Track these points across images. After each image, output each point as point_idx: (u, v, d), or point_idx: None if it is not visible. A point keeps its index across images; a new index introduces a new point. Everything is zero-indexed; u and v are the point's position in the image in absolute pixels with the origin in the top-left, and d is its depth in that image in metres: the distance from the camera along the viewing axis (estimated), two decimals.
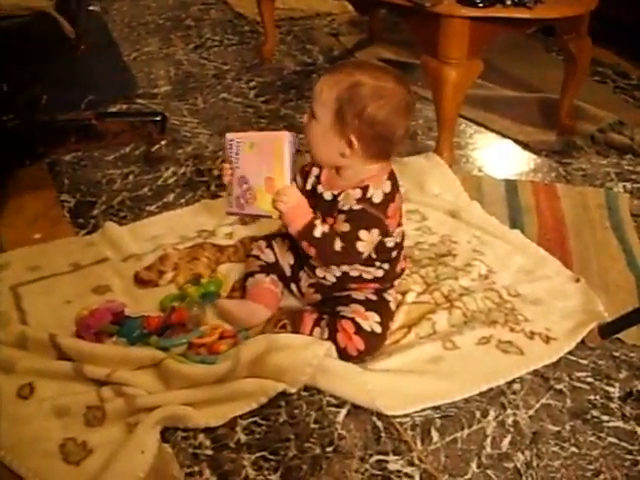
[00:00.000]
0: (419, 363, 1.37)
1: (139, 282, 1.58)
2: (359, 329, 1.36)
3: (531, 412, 1.30)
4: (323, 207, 1.39)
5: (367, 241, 1.34)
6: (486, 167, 2.10)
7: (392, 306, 1.46)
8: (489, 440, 1.25)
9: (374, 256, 1.40)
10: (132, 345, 1.38)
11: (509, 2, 1.83)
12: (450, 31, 1.84)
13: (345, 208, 1.35)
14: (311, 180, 1.44)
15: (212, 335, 1.39)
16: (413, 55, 2.55)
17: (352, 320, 1.37)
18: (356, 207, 1.34)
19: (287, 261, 1.52)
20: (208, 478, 1.18)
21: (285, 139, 1.37)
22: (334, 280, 1.44)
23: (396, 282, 1.49)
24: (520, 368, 1.38)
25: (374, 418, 1.28)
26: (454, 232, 1.75)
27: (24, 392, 1.30)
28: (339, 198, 1.37)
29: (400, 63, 2.59)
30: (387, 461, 1.21)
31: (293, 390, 1.30)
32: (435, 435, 1.26)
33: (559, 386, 1.36)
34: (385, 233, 1.37)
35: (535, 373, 1.38)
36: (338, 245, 1.34)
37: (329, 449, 1.23)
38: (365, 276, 1.43)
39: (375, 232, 1.34)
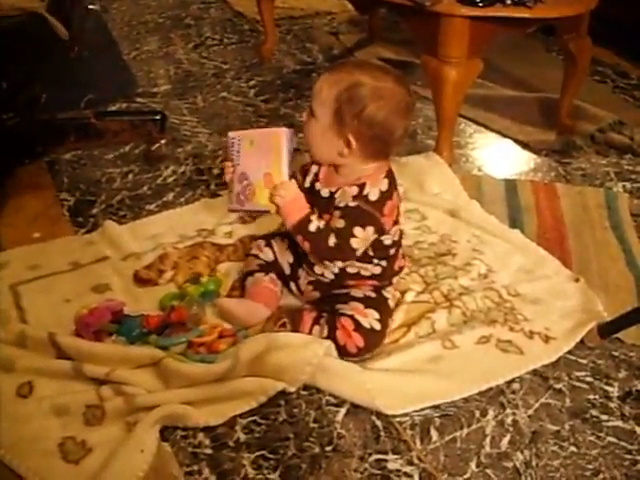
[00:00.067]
0: (418, 362, 1.37)
1: (138, 281, 1.58)
2: (358, 326, 1.36)
3: (530, 411, 1.30)
4: (320, 204, 1.40)
5: (361, 238, 1.34)
6: (486, 166, 2.10)
7: (391, 303, 1.46)
8: (488, 439, 1.25)
9: (371, 253, 1.41)
10: (131, 344, 1.38)
11: (509, 1, 1.83)
12: (450, 30, 1.84)
13: (341, 205, 1.36)
14: (309, 178, 1.45)
15: (211, 334, 1.39)
16: (413, 54, 2.56)
17: (351, 317, 1.37)
18: (352, 204, 1.35)
19: (286, 259, 1.52)
20: (207, 477, 1.18)
21: (283, 135, 1.38)
22: (332, 277, 1.44)
23: (395, 280, 1.49)
24: (519, 367, 1.38)
25: (373, 417, 1.28)
26: (454, 231, 1.75)
27: (23, 391, 1.30)
28: (336, 195, 1.38)
29: (400, 62, 2.58)
30: (386, 460, 1.21)
31: (292, 389, 1.30)
32: (434, 434, 1.26)
33: (558, 385, 1.36)
34: (381, 231, 1.37)
35: (534, 372, 1.38)
36: (332, 241, 1.34)
37: (328, 448, 1.23)
38: (363, 273, 1.43)
39: (370, 230, 1.35)
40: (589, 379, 1.37)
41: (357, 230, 1.34)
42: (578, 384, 1.36)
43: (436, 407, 1.30)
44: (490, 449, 1.23)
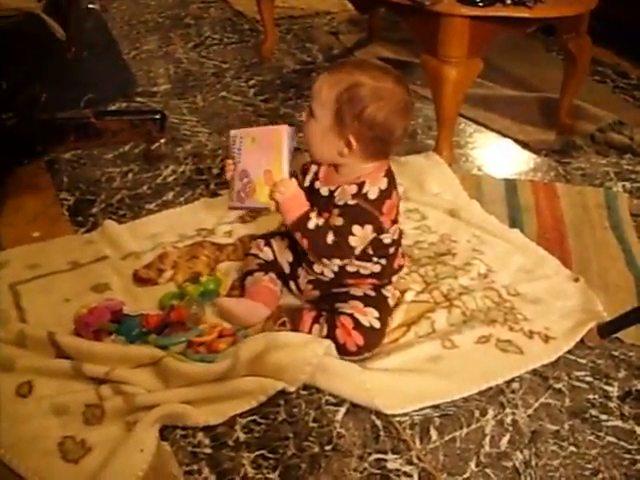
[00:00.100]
0: (418, 362, 1.37)
1: (138, 280, 1.58)
2: (358, 325, 1.36)
3: (530, 411, 1.30)
4: (320, 202, 1.40)
5: (360, 236, 1.35)
6: (486, 166, 2.10)
7: (390, 302, 1.46)
8: (488, 439, 1.25)
9: (371, 252, 1.41)
10: (131, 343, 1.38)
11: (509, 1, 1.84)
12: (450, 30, 1.84)
13: (340, 203, 1.36)
14: (309, 177, 1.45)
15: (211, 333, 1.39)
16: (413, 54, 2.56)
17: (351, 316, 1.37)
18: (351, 202, 1.35)
19: (286, 259, 1.52)
20: (207, 476, 1.18)
21: (284, 132, 1.38)
22: (332, 275, 1.44)
23: (394, 278, 1.49)
24: (519, 367, 1.38)
25: (373, 417, 1.28)
26: (453, 231, 1.75)
27: (23, 390, 1.30)
28: (335, 193, 1.38)
29: (400, 62, 2.58)
30: (386, 460, 1.21)
31: (292, 389, 1.30)
32: (434, 434, 1.26)
33: (558, 385, 1.36)
34: (379, 230, 1.37)
35: (534, 372, 1.38)
36: (330, 238, 1.34)
37: (328, 448, 1.23)
38: (362, 271, 1.43)
39: (369, 228, 1.35)
40: (589, 379, 1.37)
41: (356, 228, 1.34)
42: (578, 384, 1.36)
43: (436, 407, 1.30)
44: (490, 449, 1.23)
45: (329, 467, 1.20)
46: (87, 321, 1.40)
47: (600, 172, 2.06)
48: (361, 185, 1.36)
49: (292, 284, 1.52)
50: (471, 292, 1.54)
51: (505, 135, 2.26)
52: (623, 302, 1.52)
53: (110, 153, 2.11)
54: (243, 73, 2.67)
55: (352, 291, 1.43)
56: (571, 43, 2.13)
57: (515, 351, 1.41)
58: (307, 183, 1.45)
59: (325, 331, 1.37)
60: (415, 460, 1.21)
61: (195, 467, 1.19)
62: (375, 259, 1.43)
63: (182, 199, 1.91)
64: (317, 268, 1.45)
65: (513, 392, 1.34)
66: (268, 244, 1.55)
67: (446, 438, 1.25)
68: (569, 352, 1.42)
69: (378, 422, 1.27)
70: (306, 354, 1.30)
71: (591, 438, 1.26)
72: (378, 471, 1.19)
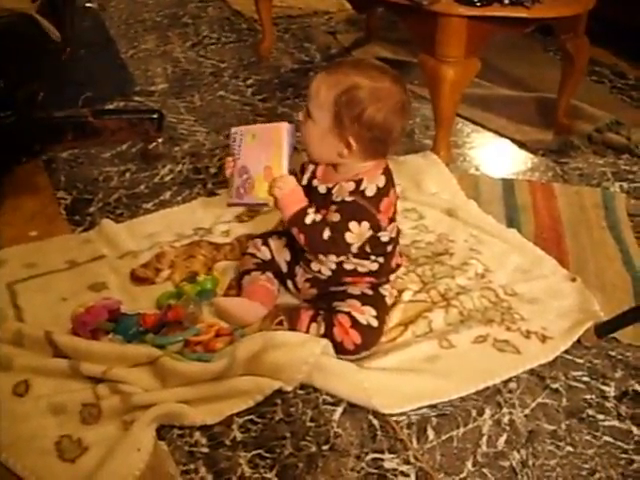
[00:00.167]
0: (415, 361, 1.37)
1: (135, 279, 1.57)
2: (355, 323, 1.36)
3: (527, 411, 1.31)
4: (318, 200, 1.40)
5: (356, 233, 1.35)
6: (483, 166, 2.10)
7: (388, 301, 1.46)
8: (485, 439, 1.25)
9: (369, 250, 1.41)
10: (128, 343, 1.38)
11: (507, 1, 1.84)
12: (448, 30, 1.84)
13: (338, 200, 1.37)
14: (307, 175, 1.46)
15: (208, 333, 1.39)
16: (410, 54, 2.56)
17: (348, 314, 1.37)
18: (348, 199, 1.35)
19: (283, 258, 1.52)
20: (204, 476, 1.18)
21: (284, 129, 1.39)
22: (329, 273, 1.44)
23: (392, 277, 1.49)
24: (516, 367, 1.38)
25: (370, 416, 1.28)
26: (451, 231, 1.75)
27: (20, 389, 1.30)
28: (333, 190, 1.39)
29: (397, 62, 2.58)
30: (383, 459, 1.21)
31: (289, 388, 1.30)
32: (431, 433, 1.26)
33: (555, 385, 1.36)
34: (376, 227, 1.37)
35: (531, 372, 1.38)
36: (327, 234, 1.34)
37: (325, 447, 1.23)
38: (360, 269, 1.43)
39: (365, 225, 1.35)
40: (586, 379, 1.38)
41: (352, 225, 1.34)
42: (575, 384, 1.36)
43: (433, 406, 1.30)
44: (487, 448, 1.23)
45: (326, 467, 1.20)
46: (84, 320, 1.40)
47: (597, 172, 2.07)
48: (359, 182, 1.36)
49: (290, 283, 1.52)
50: (468, 292, 1.54)
51: (502, 135, 2.27)
52: (620, 302, 1.52)
53: (108, 152, 2.11)
54: (241, 72, 2.67)
55: (350, 290, 1.43)
56: (569, 43, 2.13)
57: (512, 351, 1.41)
58: (305, 181, 1.45)
59: (322, 330, 1.37)
60: (412, 460, 1.21)
61: (192, 466, 1.19)
62: (373, 257, 1.43)
63: (179, 198, 1.91)
64: (314, 266, 1.45)
65: (510, 392, 1.34)
66: (265, 243, 1.55)
67: (443, 438, 1.25)
68: (566, 352, 1.42)
69: (375, 422, 1.27)
70: (303, 353, 1.30)
71: (588, 438, 1.26)
72: (375, 471, 1.19)
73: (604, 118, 2.27)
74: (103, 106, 2.33)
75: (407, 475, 1.18)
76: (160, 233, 1.74)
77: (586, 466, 1.21)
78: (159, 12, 3.26)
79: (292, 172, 1.41)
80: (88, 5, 3.21)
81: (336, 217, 1.35)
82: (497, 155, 2.19)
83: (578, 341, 1.44)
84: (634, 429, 1.28)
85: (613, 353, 1.43)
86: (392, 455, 1.22)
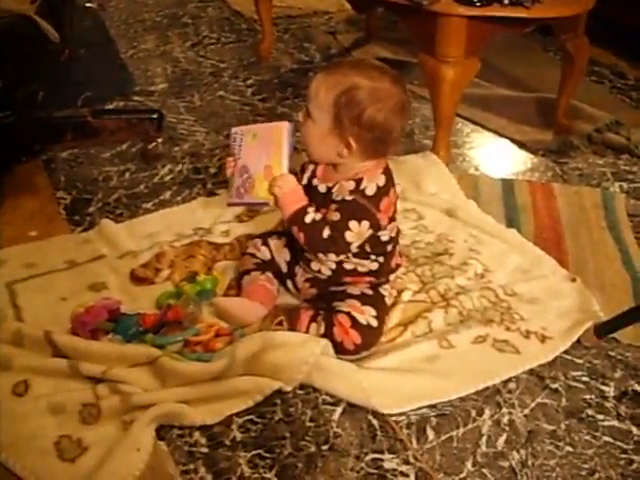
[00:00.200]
0: (415, 362, 1.37)
1: (135, 279, 1.57)
2: (355, 323, 1.36)
3: (526, 411, 1.31)
4: (318, 199, 1.40)
5: (356, 232, 1.35)
6: (483, 166, 2.10)
7: (387, 301, 1.46)
8: (484, 439, 1.25)
9: (369, 249, 1.41)
10: (128, 342, 1.38)
11: (507, 1, 1.84)
12: (448, 30, 1.84)
13: (338, 198, 1.37)
14: (307, 175, 1.46)
15: (208, 333, 1.39)
16: (410, 54, 2.56)
17: (348, 314, 1.37)
18: (348, 198, 1.35)
19: (283, 258, 1.52)
20: (203, 476, 1.18)
21: (284, 128, 1.39)
22: (329, 273, 1.44)
23: (391, 277, 1.49)
24: (516, 367, 1.38)
25: (370, 416, 1.28)
26: (450, 231, 1.75)
27: (19, 389, 1.30)
28: (333, 190, 1.39)
29: (397, 62, 2.58)
30: (382, 459, 1.21)
31: (289, 388, 1.30)
32: (431, 434, 1.26)
33: (554, 385, 1.36)
34: (376, 227, 1.37)
35: (531, 372, 1.38)
36: (326, 233, 1.34)
37: (324, 447, 1.23)
38: (360, 269, 1.43)
39: (365, 224, 1.35)
40: (585, 379, 1.38)
41: (352, 224, 1.34)
42: (574, 384, 1.36)
43: (432, 406, 1.30)
44: (486, 448, 1.23)
45: (326, 467, 1.20)
46: (84, 320, 1.40)
47: (597, 172, 2.07)
48: (359, 181, 1.36)
49: (289, 283, 1.52)
50: (468, 292, 1.54)
51: (502, 135, 2.27)
52: (620, 302, 1.52)
53: (107, 152, 2.11)
54: (241, 72, 2.67)
55: (349, 290, 1.43)
56: (569, 43, 2.13)
57: (512, 351, 1.41)
58: (305, 181, 1.45)
59: (322, 329, 1.37)
60: (412, 460, 1.21)
61: (191, 466, 1.19)
62: (373, 257, 1.43)
63: (179, 198, 1.91)
64: (314, 266, 1.45)
65: (510, 392, 1.34)
66: (265, 243, 1.55)
67: (443, 438, 1.25)
68: (566, 352, 1.42)
69: (375, 422, 1.27)
70: (303, 353, 1.30)
71: (587, 438, 1.26)
72: (375, 471, 1.19)
73: (604, 118, 2.27)
74: (103, 106, 2.33)
75: (407, 475, 1.18)
76: (160, 233, 1.74)
77: (585, 466, 1.21)
78: (159, 12, 3.26)
79: (292, 171, 1.41)
80: (88, 5, 3.21)
81: (336, 216, 1.35)
82: (497, 155, 2.19)
83: (578, 341, 1.44)
84: (634, 429, 1.28)
85: (613, 353, 1.43)
86: (392, 455, 1.22)
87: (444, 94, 1.92)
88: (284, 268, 1.52)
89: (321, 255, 1.40)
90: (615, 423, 1.29)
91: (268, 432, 1.25)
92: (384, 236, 1.41)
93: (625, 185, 2.00)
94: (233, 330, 1.41)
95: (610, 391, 1.35)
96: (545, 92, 2.43)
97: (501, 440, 1.25)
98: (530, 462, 1.21)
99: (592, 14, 2.03)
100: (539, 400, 1.33)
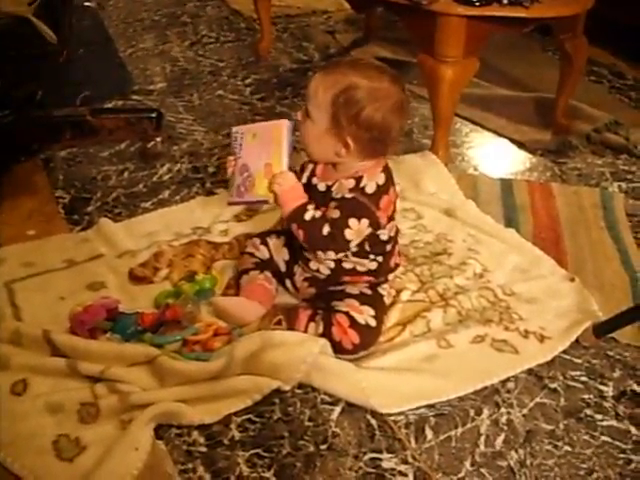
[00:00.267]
0: (414, 361, 1.37)
1: (134, 279, 1.57)
2: (354, 323, 1.36)
3: (525, 411, 1.31)
4: (317, 197, 1.40)
5: (355, 230, 1.35)
6: (481, 166, 2.10)
7: (386, 300, 1.47)
8: (483, 439, 1.25)
9: (368, 248, 1.41)
10: (126, 342, 1.37)
11: (506, 1, 1.83)
12: (447, 29, 1.84)
13: (338, 196, 1.37)
14: (306, 174, 1.46)
15: (206, 332, 1.39)
16: (409, 53, 2.55)
17: (347, 314, 1.37)
18: (348, 195, 1.36)
19: (282, 257, 1.52)
20: (202, 475, 1.18)
21: (284, 126, 1.40)
22: (328, 272, 1.44)
23: (390, 276, 1.49)
24: (514, 367, 1.38)
25: (368, 416, 1.28)
26: (449, 231, 1.75)
27: (18, 388, 1.29)
28: (333, 188, 1.39)
29: (396, 61, 2.58)
30: (381, 459, 1.21)
31: (287, 387, 1.30)
32: (429, 433, 1.26)
33: (553, 385, 1.36)
34: (376, 225, 1.37)
35: (529, 372, 1.38)
36: (326, 230, 1.35)
37: (323, 447, 1.23)
38: (359, 268, 1.43)
39: (365, 222, 1.35)
40: (584, 379, 1.38)
41: (352, 221, 1.34)
42: (573, 383, 1.36)
43: (431, 406, 1.30)
44: (485, 448, 1.23)
45: (324, 466, 1.20)
46: (82, 319, 1.40)
47: (596, 172, 2.07)
48: (359, 179, 1.36)
49: (288, 282, 1.52)
50: (467, 291, 1.54)
51: (501, 135, 2.27)
52: (618, 302, 1.52)
53: (106, 151, 2.11)
54: (239, 72, 2.66)
55: (348, 289, 1.43)
56: (567, 43, 2.13)
57: (510, 351, 1.41)
58: (304, 179, 1.45)
59: (321, 329, 1.37)
60: (410, 459, 1.21)
61: (190, 466, 1.19)
62: (372, 256, 1.43)
63: (178, 197, 1.91)
64: (313, 265, 1.45)
65: (508, 392, 1.34)
66: (264, 243, 1.55)
67: (441, 437, 1.25)
68: (564, 352, 1.42)
69: (373, 421, 1.27)
70: (301, 353, 1.30)
71: (586, 438, 1.26)
72: (373, 470, 1.19)
73: (603, 118, 2.27)
74: (101, 105, 2.33)
75: (405, 475, 1.18)
76: (158, 232, 1.74)
77: (584, 466, 1.21)
78: (158, 11, 3.26)
79: (292, 170, 1.41)
80: (87, 4, 3.21)
81: (336, 213, 1.35)
82: (495, 155, 2.19)
83: (576, 341, 1.44)
84: (632, 429, 1.28)
85: (611, 353, 1.43)
86: (390, 455, 1.22)
87: (443, 94, 1.92)
88: (283, 267, 1.52)
89: (320, 253, 1.40)
90: (614, 423, 1.29)
91: (267, 431, 1.25)
92: (383, 235, 1.41)
93: (624, 185, 2.00)
94: (232, 329, 1.41)
95: (609, 391, 1.35)
96: (544, 92, 2.43)
97: (499, 440, 1.25)
98: (528, 462, 1.21)
99: (591, 14, 2.03)
100: (538, 400, 1.33)
